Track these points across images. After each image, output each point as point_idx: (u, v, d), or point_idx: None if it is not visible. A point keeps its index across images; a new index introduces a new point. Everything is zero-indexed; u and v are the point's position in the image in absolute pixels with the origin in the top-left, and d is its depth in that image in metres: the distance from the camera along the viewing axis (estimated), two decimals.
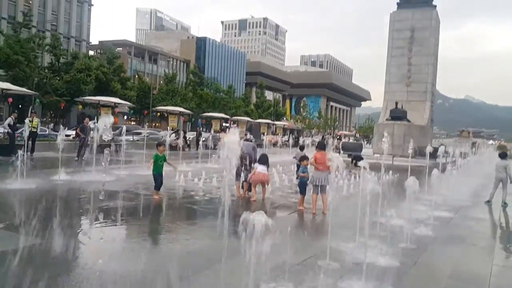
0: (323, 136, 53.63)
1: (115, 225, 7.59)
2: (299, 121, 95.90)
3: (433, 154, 19.69)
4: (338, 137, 41.25)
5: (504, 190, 11.68)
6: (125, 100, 38.82)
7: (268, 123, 52.71)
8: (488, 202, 11.74)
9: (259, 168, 10.09)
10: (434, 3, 34.61)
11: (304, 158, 9.62)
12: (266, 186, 10.50)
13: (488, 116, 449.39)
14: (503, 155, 12.13)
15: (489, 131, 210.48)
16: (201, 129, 37.90)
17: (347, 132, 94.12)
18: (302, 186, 9.56)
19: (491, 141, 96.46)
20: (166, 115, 41.48)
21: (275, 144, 36.18)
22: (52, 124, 37.48)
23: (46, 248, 5.75)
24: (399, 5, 35.23)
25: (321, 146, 9.55)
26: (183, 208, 9.90)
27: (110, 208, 8.85)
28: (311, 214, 9.00)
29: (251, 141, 12.62)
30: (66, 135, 19.99)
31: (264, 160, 10.29)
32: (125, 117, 64.51)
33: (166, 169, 10.28)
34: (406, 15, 34.21)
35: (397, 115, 31.39)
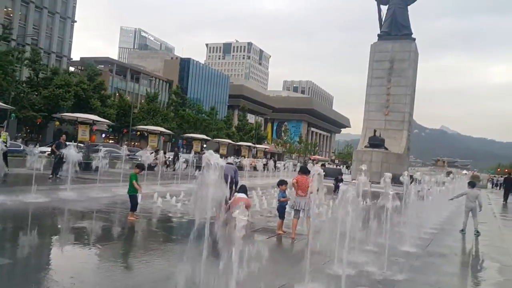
0: (304, 161, 53.96)
1: (85, 248, 7.35)
2: (280, 145, 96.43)
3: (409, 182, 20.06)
4: (322, 163, 40.94)
5: (475, 218, 11.88)
6: (104, 117, 38.31)
7: (249, 146, 52.74)
8: (462, 231, 11.91)
9: (239, 194, 10.04)
10: (413, 36, 35.89)
11: (283, 182, 9.60)
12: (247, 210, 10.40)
13: (463, 146, 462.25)
14: (473, 184, 12.38)
15: (463, 161, 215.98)
16: (178, 149, 37.54)
17: (320, 157, 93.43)
18: (281, 211, 9.52)
19: (464, 171, 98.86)
20: (146, 135, 41.09)
21: (255, 168, 36.10)
22: (20, 140, 36.15)
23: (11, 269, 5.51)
24: (379, 36, 36.35)
25: (304, 170, 9.57)
26: (158, 230, 9.70)
27: (81, 229, 8.59)
28: (290, 239, 8.94)
29: (232, 163, 12.57)
30: (41, 152, 19.48)
31: (243, 190, 10.25)
32: (103, 135, 63.55)
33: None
34: (386, 46, 35.31)
35: (375, 142, 31.94)
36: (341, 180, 21.16)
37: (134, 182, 9.36)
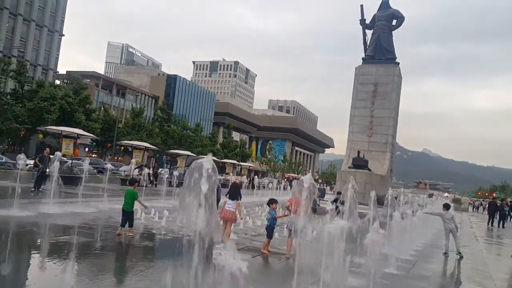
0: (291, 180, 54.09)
1: (63, 263, 7.20)
2: (264, 163, 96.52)
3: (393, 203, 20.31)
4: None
5: (456, 239, 12.11)
6: (88, 131, 37.90)
7: (233, 164, 52.71)
8: (445, 254, 12.06)
9: (227, 204, 9.89)
10: (397, 60, 36.79)
11: (273, 201, 9.60)
12: (231, 225, 10.32)
13: (444, 169, 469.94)
14: (447, 206, 12.70)
15: (445, 184, 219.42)
16: (158, 165, 37.18)
17: (296, 175, 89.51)
18: (270, 230, 9.47)
19: (446, 194, 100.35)
20: (130, 150, 40.69)
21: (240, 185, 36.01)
22: None
23: None
24: (364, 60, 37.14)
25: None
26: (141, 247, 9.58)
27: (62, 244, 8.44)
28: (275, 258, 8.93)
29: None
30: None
31: (233, 193, 9.92)
32: (86, 149, 62.71)
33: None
34: (370, 69, 36.05)
35: (359, 163, 32.27)
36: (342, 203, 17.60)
37: (139, 200, 9.65)
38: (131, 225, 9.58)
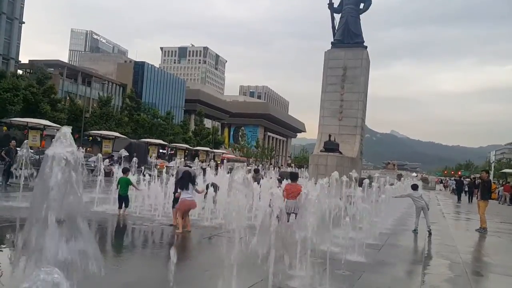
0: (258, 167, 54.42)
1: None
2: (237, 149, 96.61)
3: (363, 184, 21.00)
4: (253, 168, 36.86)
5: (426, 216, 12.70)
6: (54, 122, 36.78)
7: (207, 151, 52.56)
8: (415, 231, 12.58)
9: (183, 194, 9.77)
10: (365, 44, 37.28)
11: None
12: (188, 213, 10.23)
13: (411, 150, 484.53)
14: (415, 187, 13.37)
15: (412, 164, 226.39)
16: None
17: (232, 156, 76.00)
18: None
19: (414, 173, 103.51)
20: (99, 140, 39.84)
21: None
22: None
23: None
24: (333, 44, 37.43)
25: (294, 177, 10.00)
26: (107, 236, 9.53)
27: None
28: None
29: (190, 167, 12.50)
30: None
31: (187, 182, 9.78)
32: (53, 141, 60.76)
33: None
34: (339, 54, 36.40)
35: (330, 147, 32.81)
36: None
37: (133, 184, 11.47)
38: (126, 206, 11.19)
